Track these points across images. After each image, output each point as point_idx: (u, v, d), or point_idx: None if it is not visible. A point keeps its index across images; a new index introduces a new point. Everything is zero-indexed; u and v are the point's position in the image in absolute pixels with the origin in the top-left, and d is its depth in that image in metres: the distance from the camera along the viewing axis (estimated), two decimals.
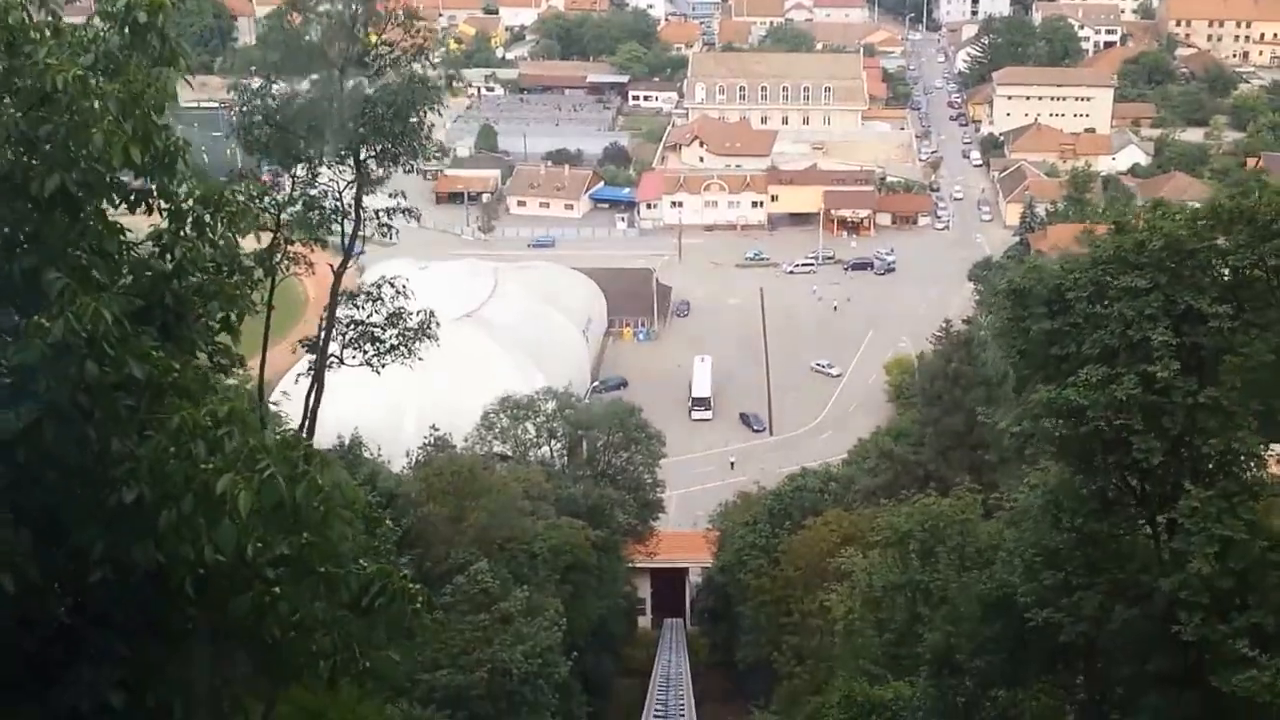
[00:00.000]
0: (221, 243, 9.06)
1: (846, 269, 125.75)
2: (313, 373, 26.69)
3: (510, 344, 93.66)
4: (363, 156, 25.15)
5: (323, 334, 26.65)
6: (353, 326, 26.89)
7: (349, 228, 26.12)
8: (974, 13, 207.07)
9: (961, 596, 23.42)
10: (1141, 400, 17.85)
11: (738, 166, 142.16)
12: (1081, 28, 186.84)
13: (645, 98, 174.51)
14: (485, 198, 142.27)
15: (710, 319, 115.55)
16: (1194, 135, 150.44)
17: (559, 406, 62.40)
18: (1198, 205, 21.51)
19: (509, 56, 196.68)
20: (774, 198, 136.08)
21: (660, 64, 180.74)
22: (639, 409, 67.03)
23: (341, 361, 26.92)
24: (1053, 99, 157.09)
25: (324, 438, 41.90)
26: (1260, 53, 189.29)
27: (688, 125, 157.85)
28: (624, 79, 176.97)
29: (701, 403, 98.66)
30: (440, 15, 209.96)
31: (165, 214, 8.96)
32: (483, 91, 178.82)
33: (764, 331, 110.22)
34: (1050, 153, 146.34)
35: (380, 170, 25.91)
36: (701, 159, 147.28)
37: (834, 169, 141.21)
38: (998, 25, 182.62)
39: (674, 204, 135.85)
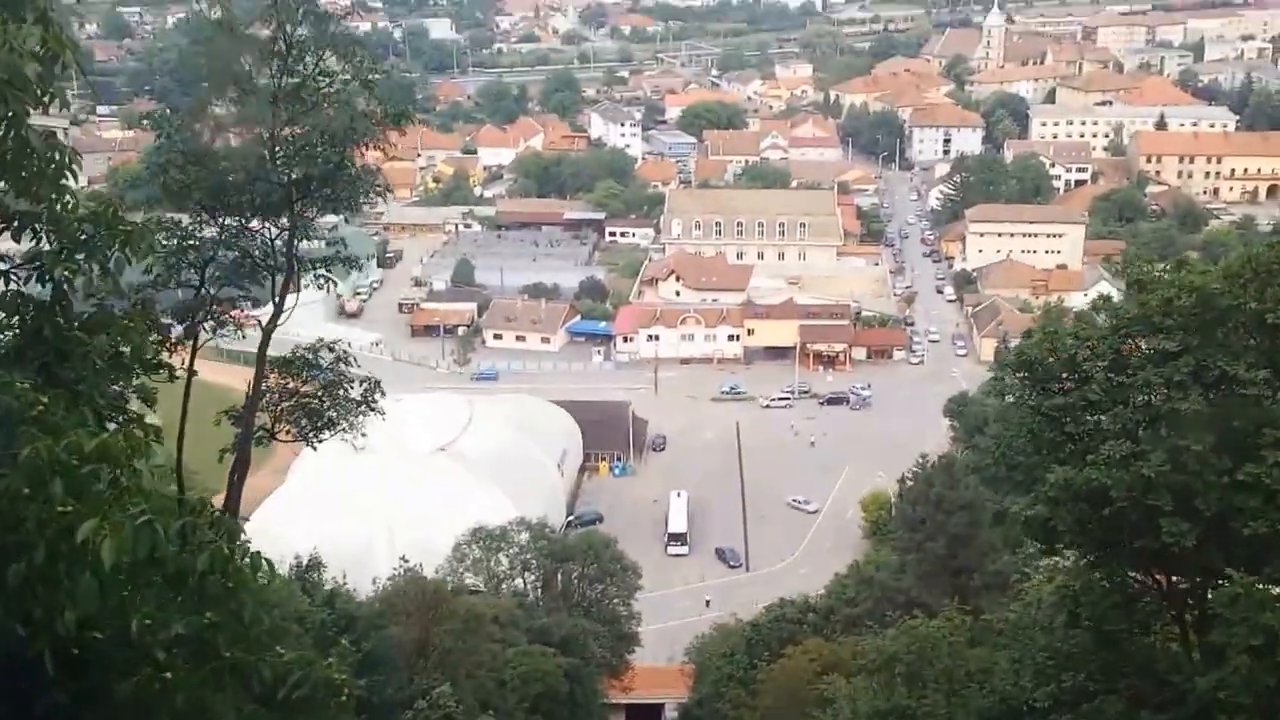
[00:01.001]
0: (113, 268, 7.70)
1: (822, 403, 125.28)
2: (236, 447, 23.48)
3: (484, 477, 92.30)
4: (296, 199, 22.55)
5: (247, 403, 23.63)
6: (285, 396, 24.21)
7: (281, 281, 23.42)
8: (946, 151, 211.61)
9: (959, 713, 21.65)
10: (1171, 479, 16.19)
11: (714, 300, 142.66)
12: (1052, 165, 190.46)
13: (622, 234, 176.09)
14: (461, 331, 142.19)
15: (686, 453, 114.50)
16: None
17: (533, 538, 61.13)
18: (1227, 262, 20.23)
19: (487, 195, 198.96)
20: (750, 331, 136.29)
21: (637, 201, 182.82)
22: (614, 540, 65.85)
23: (272, 436, 24.10)
24: (1025, 235, 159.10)
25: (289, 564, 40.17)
26: (1230, 189, 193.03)
27: (664, 260, 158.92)
28: (601, 216, 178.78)
29: (677, 538, 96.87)
30: (419, 155, 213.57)
31: (48, 234, 7.72)
32: (460, 228, 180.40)
33: (740, 466, 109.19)
34: (1022, 288, 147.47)
35: (318, 215, 23.58)
36: (678, 293, 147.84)
37: (810, 303, 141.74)
38: (969, 163, 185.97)
39: (650, 337, 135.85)
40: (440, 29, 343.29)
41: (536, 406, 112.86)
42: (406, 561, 52.80)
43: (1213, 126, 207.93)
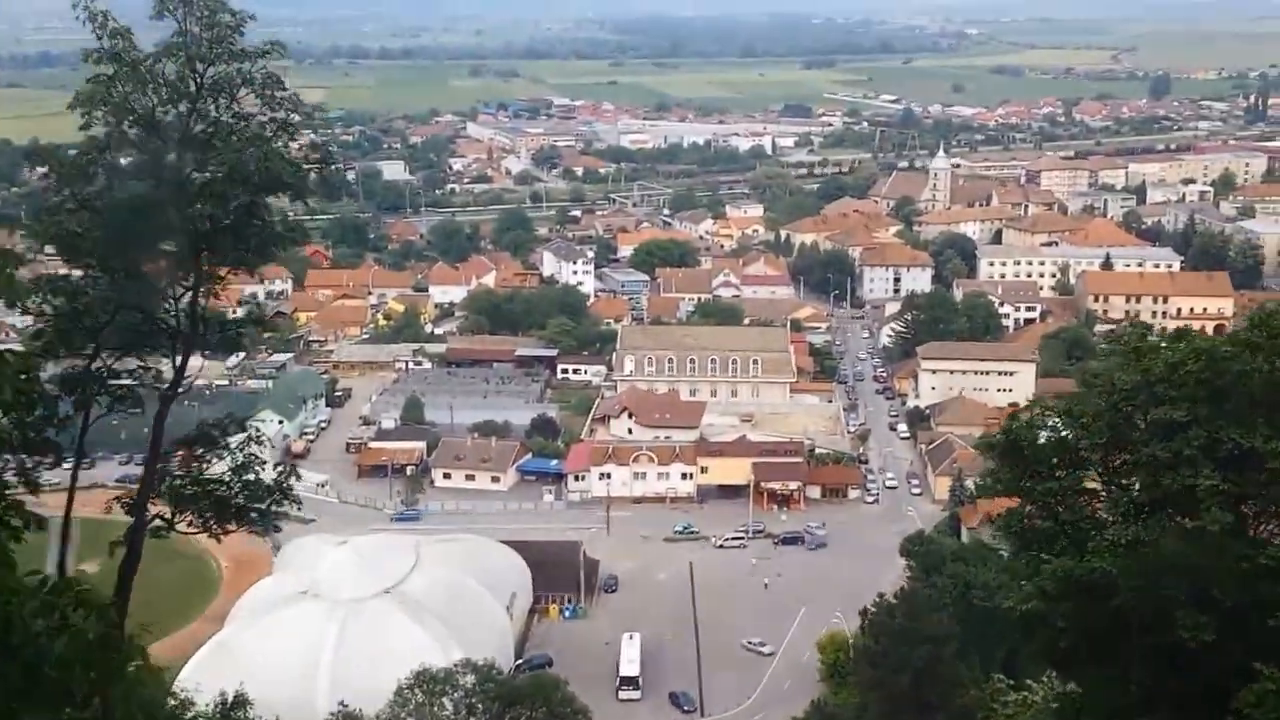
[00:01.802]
0: None
1: (777, 543, 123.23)
2: (127, 537, 20.87)
3: (430, 620, 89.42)
4: (203, 249, 20.45)
5: (141, 485, 21.22)
6: (187, 480, 21.58)
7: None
8: (896, 290, 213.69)
9: None
10: (1185, 565, 14.44)
11: (667, 438, 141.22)
12: (1001, 304, 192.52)
13: (574, 371, 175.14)
14: (410, 470, 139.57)
15: (639, 594, 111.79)
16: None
17: (479, 681, 58.67)
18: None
19: (438, 332, 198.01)
20: (703, 469, 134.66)
21: (589, 338, 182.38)
22: (565, 683, 63.43)
23: (171, 526, 21.25)
24: (976, 373, 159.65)
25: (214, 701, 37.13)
26: (1177, 327, 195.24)
27: (616, 397, 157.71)
28: (553, 353, 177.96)
29: (629, 682, 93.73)
30: (370, 293, 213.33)
31: None
32: (410, 366, 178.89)
33: (694, 607, 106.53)
34: (976, 426, 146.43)
35: (227, 269, 21.40)
36: (630, 431, 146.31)
37: (763, 441, 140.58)
38: (920, 301, 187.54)
39: (602, 476, 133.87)
40: (394, 171, 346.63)
41: (485, 547, 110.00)
42: (346, 707, 50.52)
43: (1158, 266, 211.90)
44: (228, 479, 21.64)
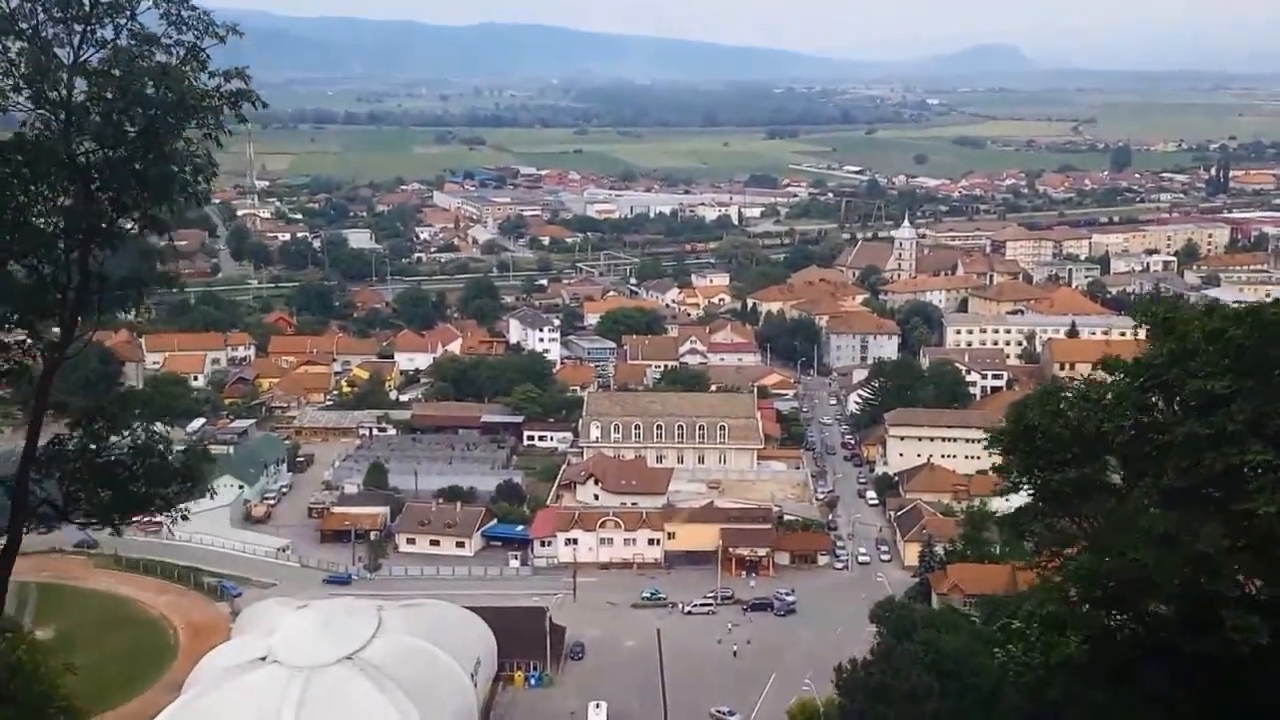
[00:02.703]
0: None
1: (746, 609, 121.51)
2: (8, 528, 17.79)
3: (391, 688, 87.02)
4: (97, 187, 17.67)
5: (21, 462, 17.97)
6: (80, 461, 18.51)
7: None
8: (863, 357, 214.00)
9: None
10: (1234, 557, 12.47)
11: (634, 504, 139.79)
12: (968, 372, 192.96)
13: (540, 437, 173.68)
14: (373, 535, 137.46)
15: (606, 661, 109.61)
16: None
17: None
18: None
19: (403, 398, 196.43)
20: (671, 535, 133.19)
21: (556, 404, 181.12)
22: None
23: (63, 515, 18.48)
24: (944, 440, 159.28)
25: None
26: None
27: (583, 463, 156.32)
28: (519, 419, 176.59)
29: None
30: (335, 359, 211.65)
31: None
32: (374, 432, 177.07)
33: (662, 675, 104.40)
34: (944, 492, 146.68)
35: (122, 219, 18.44)
36: (597, 497, 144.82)
37: (731, 507, 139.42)
38: (887, 368, 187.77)
39: (569, 541, 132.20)
40: (359, 239, 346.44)
41: (449, 613, 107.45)
42: None
43: (1123, 335, 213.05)
44: (128, 461, 18.86)
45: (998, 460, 20.16)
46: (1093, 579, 13.60)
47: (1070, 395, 16.22)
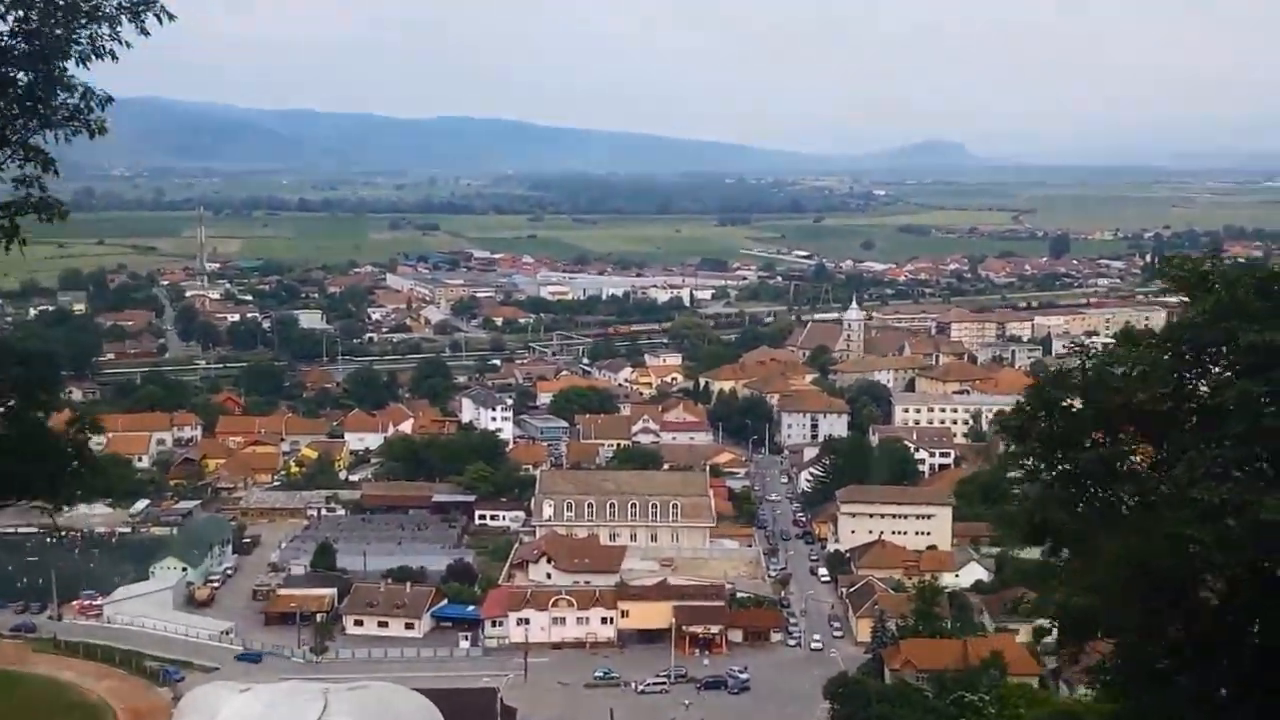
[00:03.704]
0: None
1: (699, 688, 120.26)
2: None
3: None
4: None
5: None
6: None
7: None
8: (814, 435, 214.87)
9: None
10: None
11: (586, 583, 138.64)
12: (917, 450, 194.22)
13: (492, 516, 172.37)
14: (320, 617, 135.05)
15: None
16: (1032, 553, 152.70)
17: None
18: None
19: (353, 478, 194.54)
20: (624, 613, 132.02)
21: (508, 483, 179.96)
22: None
23: None
24: (895, 517, 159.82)
25: None
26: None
27: (535, 542, 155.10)
28: (470, 498, 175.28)
29: None
30: (284, 439, 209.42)
31: None
32: (323, 512, 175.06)
33: None
34: (895, 569, 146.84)
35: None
36: (549, 575, 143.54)
37: (684, 584, 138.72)
38: (838, 446, 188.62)
39: (520, 621, 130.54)
40: (310, 320, 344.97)
41: (398, 694, 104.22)
42: None
43: None
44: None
45: (1011, 447, 18.82)
46: (1134, 561, 12.40)
47: (1091, 369, 15.13)
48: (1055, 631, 15.99)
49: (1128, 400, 13.50)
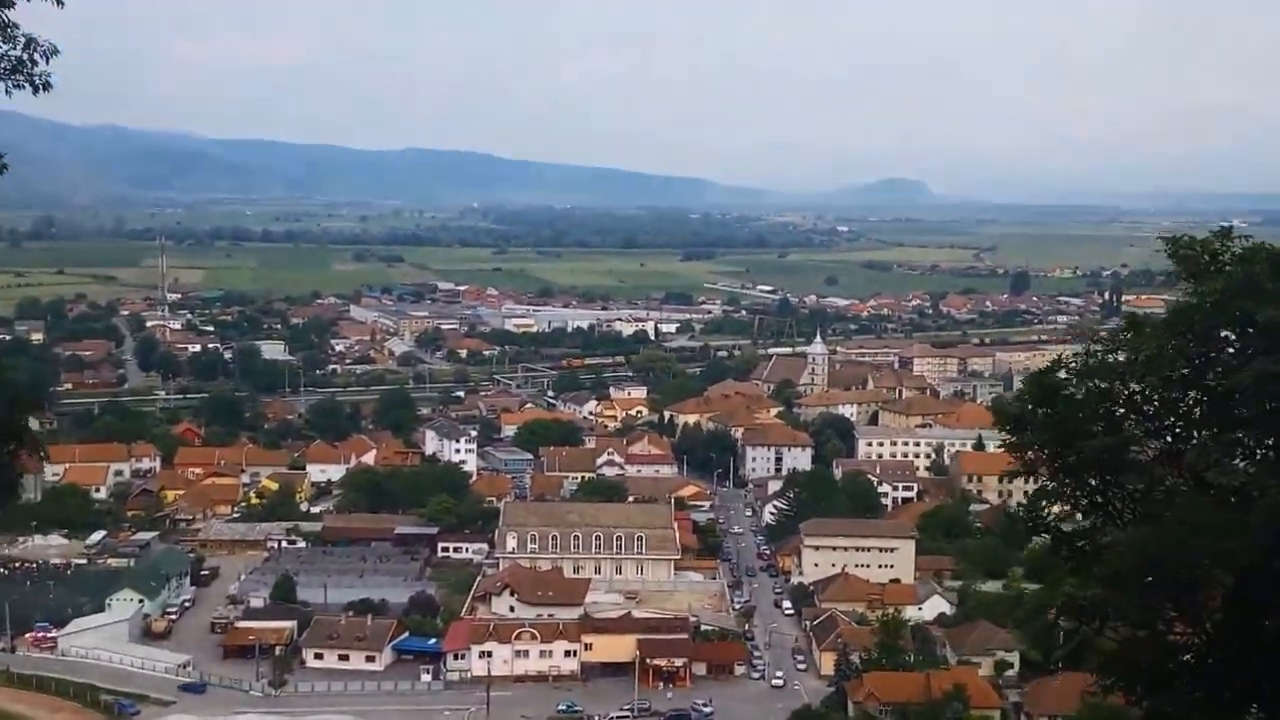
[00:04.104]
0: None
1: None
2: None
3: None
4: None
5: None
6: None
7: None
8: (778, 469, 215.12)
9: None
10: None
11: (550, 616, 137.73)
12: (880, 483, 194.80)
13: (455, 549, 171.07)
14: (279, 650, 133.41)
15: None
16: (994, 586, 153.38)
17: None
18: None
19: (314, 510, 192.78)
20: (588, 646, 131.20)
21: (472, 515, 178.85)
22: None
23: None
24: (858, 549, 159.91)
25: None
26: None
27: (498, 574, 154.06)
28: (433, 530, 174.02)
29: None
30: (244, 471, 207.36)
31: None
32: (283, 544, 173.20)
33: None
34: (859, 602, 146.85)
35: None
36: (512, 608, 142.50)
37: (648, 617, 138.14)
38: (801, 479, 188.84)
39: (483, 654, 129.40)
40: (273, 350, 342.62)
41: None
42: None
43: None
44: None
45: (1008, 439, 18.20)
46: (1145, 555, 11.89)
47: (1094, 354, 14.44)
48: (1059, 624, 15.62)
49: (1132, 387, 13.13)
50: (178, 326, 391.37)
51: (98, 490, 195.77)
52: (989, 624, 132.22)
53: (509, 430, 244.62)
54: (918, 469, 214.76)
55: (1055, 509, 15.71)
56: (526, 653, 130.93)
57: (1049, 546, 15.62)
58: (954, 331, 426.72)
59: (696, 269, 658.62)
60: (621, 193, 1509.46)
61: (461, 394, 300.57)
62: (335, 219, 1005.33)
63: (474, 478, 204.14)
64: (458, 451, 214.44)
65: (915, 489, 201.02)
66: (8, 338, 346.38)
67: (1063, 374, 14.52)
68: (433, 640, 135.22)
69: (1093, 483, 13.47)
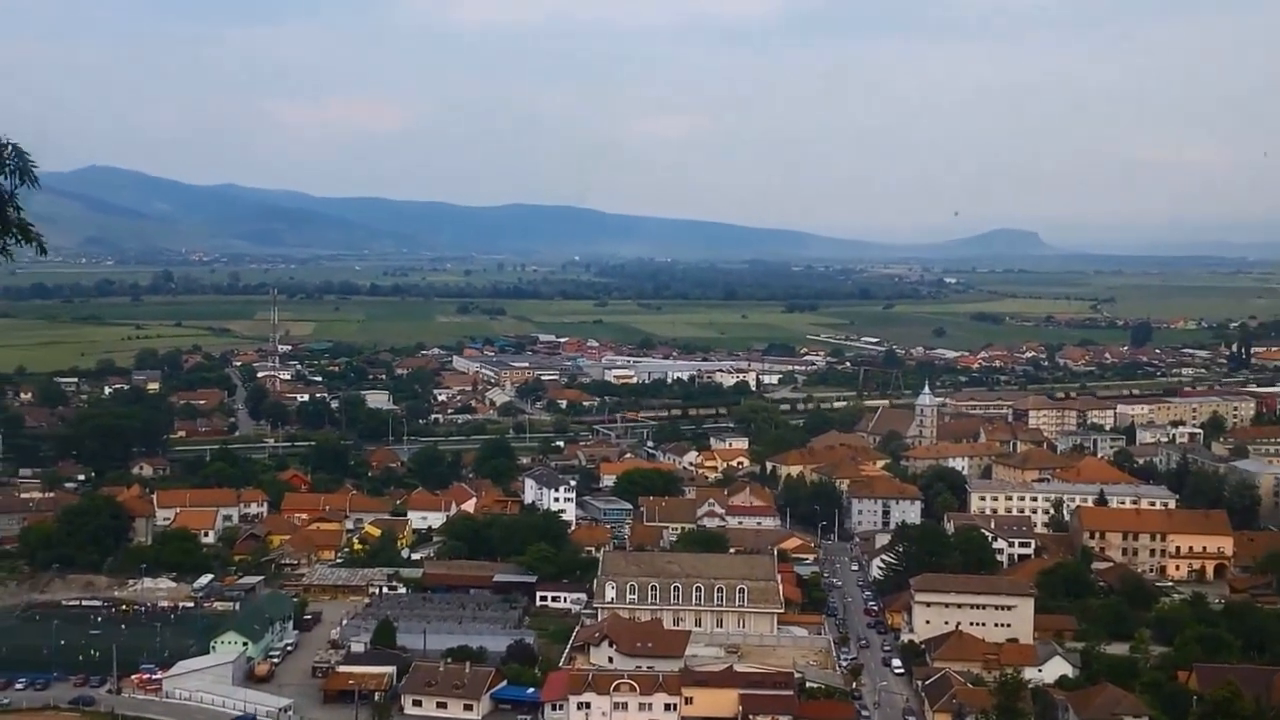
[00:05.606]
0: None
1: None
2: None
3: None
4: None
5: None
6: None
7: None
8: (885, 522, 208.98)
9: None
10: None
11: (649, 667, 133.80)
12: (995, 539, 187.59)
13: (554, 598, 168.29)
14: (378, 696, 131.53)
15: None
16: (1119, 648, 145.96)
17: None
18: None
19: (415, 556, 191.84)
20: (688, 700, 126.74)
21: (570, 565, 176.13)
22: None
23: None
24: (973, 607, 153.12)
25: None
26: (1177, 566, 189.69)
27: (597, 624, 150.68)
28: (532, 579, 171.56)
29: None
30: (347, 517, 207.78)
31: None
32: (384, 590, 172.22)
33: None
34: (974, 662, 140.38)
35: None
36: (611, 659, 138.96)
37: (751, 671, 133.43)
38: (912, 533, 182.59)
39: (581, 705, 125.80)
40: (377, 400, 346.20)
41: None
42: None
43: (1154, 504, 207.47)
44: None
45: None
46: None
47: None
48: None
49: None
50: (287, 377, 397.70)
51: (207, 534, 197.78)
52: (1115, 687, 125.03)
53: (608, 480, 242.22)
54: (1035, 524, 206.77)
55: None
56: (625, 705, 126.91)
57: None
58: (1071, 384, 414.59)
59: (798, 321, 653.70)
60: (721, 245, 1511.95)
61: (561, 444, 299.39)
62: (440, 273, 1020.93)
63: (573, 527, 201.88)
64: (556, 500, 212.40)
65: (1033, 545, 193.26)
66: (126, 387, 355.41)
67: None
68: (531, 690, 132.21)
69: None
